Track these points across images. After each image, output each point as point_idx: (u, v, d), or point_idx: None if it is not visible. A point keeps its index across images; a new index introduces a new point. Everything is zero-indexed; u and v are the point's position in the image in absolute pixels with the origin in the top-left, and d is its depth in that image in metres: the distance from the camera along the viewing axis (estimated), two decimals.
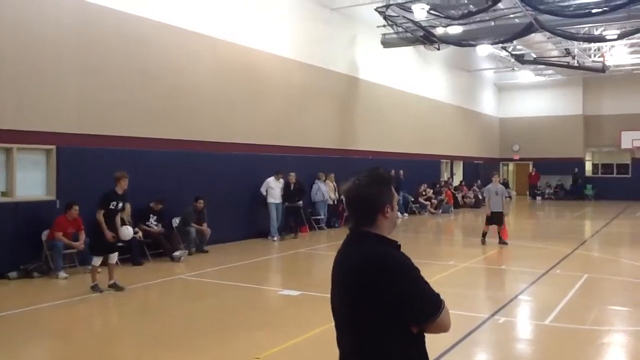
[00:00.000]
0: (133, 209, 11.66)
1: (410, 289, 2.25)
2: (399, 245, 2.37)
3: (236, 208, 15.09)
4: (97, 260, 9.09)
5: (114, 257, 9.13)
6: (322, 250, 13.69)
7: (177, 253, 12.06)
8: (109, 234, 8.85)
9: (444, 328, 2.29)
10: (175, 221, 13.03)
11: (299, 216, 16.72)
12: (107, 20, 11.78)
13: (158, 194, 12.48)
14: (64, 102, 10.99)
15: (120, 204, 9.16)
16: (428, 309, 2.26)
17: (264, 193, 15.60)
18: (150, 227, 12.31)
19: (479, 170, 30.15)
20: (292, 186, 16.12)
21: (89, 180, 11.15)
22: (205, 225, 13.35)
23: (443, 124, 27.14)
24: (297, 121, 17.38)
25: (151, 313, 8.13)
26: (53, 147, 10.91)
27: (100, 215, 8.91)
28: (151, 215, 12.46)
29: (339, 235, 15.82)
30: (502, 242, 14.42)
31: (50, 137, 10.81)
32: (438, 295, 2.29)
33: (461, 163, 29.97)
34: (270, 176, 15.60)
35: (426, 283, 2.28)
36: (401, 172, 21.27)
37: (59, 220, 10.49)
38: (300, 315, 7.92)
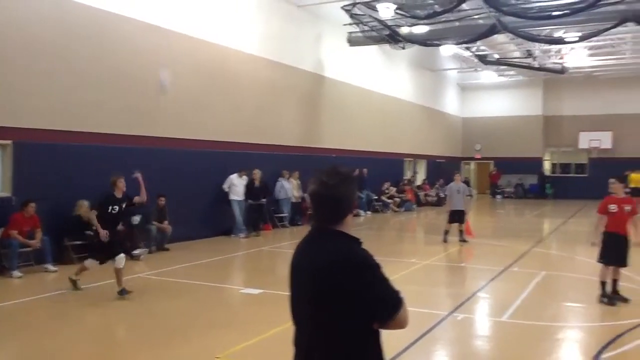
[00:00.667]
0: (92, 205, 11.43)
1: (375, 287, 2.28)
2: (361, 243, 2.39)
3: (199, 205, 14.95)
4: (89, 263, 8.78)
5: (120, 261, 8.55)
6: (285, 248, 13.65)
7: (137, 251, 11.88)
8: (102, 232, 8.42)
9: (402, 325, 2.33)
10: (136, 219, 12.82)
11: (262, 214, 16.66)
12: (71, 15, 11.51)
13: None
14: (21, 97, 10.68)
15: (122, 206, 8.71)
16: (391, 306, 2.29)
17: (227, 190, 15.52)
18: None
19: (442, 169, 30.52)
20: (255, 183, 16.05)
21: (48, 177, 10.89)
22: (166, 223, 13.18)
23: (407, 123, 27.38)
24: (262, 119, 17.30)
25: (109, 313, 7.99)
26: (9, 142, 10.61)
27: (93, 215, 8.61)
28: None
29: (302, 233, 15.69)
30: (462, 239, 14.65)
31: (7, 132, 10.50)
32: (398, 292, 2.31)
33: (424, 162, 30.30)
34: (234, 173, 15.52)
35: (388, 280, 2.32)
36: (365, 170, 21.39)
37: (15, 217, 10.22)
38: (261, 314, 7.89)
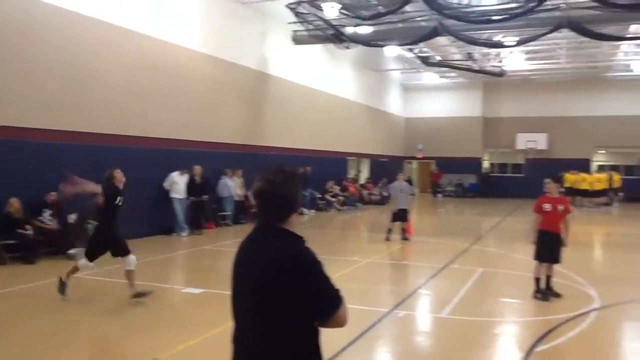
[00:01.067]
0: (25, 203, 10.99)
1: (318, 285, 2.30)
2: (305, 241, 2.40)
3: (140, 204, 14.56)
4: (83, 264, 8.23)
5: (130, 262, 8.12)
6: (228, 246, 13.49)
7: (73, 251, 11.47)
8: (90, 188, 7.98)
9: (342, 323, 2.35)
10: (72, 217, 12.38)
11: (203, 211, 16.44)
12: (8, 6, 11.01)
13: (55, 188, 11.81)
14: None
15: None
16: (332, 304, 2.31)
17: (168, 188, 15.23)
18: (43, 222, 11.65)
19: (385, 168, 30.93)
20: (196, 180, 15.83)
21: None
22: None
23: (351, 122, 27.59)
24: (205, 115, 17.05)
25: (44, 314, 7.68)
26: None
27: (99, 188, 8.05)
28: (45, 210, 11.78)
29: (245, 232, 15.59)
30: (404, 238, 14.87)
31: None
32: (339, 290, 2.34)
33: (368, 161, 30.62)
34: (174, 171, 15.25)
35: (329, 279, 2.34)
36: (308, 168, 21.42)
37: None
38: (203, 314, 7.77)
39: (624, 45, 24.82)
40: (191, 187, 15.69)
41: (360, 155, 29.28)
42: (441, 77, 33.27)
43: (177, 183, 15.28)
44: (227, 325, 6.25)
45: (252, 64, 19.48)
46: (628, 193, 29.30)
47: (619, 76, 30.69)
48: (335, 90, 25.81)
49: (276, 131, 20.83)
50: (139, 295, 8.04)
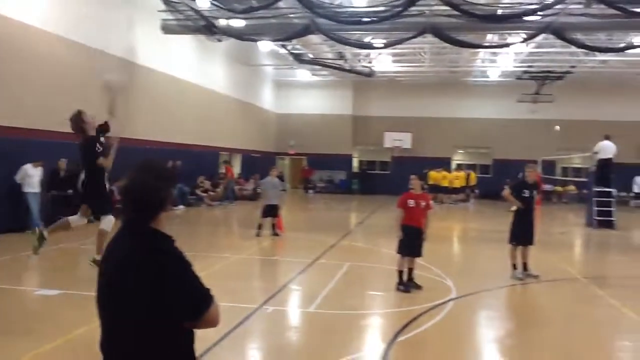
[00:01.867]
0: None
1: (185, 285, 2.24)
2: (174, 241, 2.33)
3: None
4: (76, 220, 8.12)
5: (108, 222, 7.97)
6: (89, 244, 12.74)
7: None
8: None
9: (213, 323, 2.33)
10: None
11: (69, 207, 15.36)
12: None
13: None
14: None
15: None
16: (201, 304, 2.27)
17: (20, 182, 14.06)
18: None
19: (257, 164, 30.88)
20: (61, 173, 14.80)
21: None
22: None
23: (223, 116, 27.19)
24: (66, 104, 15.89)
25: None
26: None
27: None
28: None
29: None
30: (275, 233, 14.91)
31: None
32: (209, 290, 2.30)
33: (240, 156, 30.38)
34: (27, 163, 14.10)
35: (198, 278, 2.29)
36: (178, 162, 20.79)
37: None
38: (59, 317, 7.23)
39: (481, 53, 26.72)
40: (54, 181, 14.65)
41: (232, 150, 28.96)
42: (313, 74, 33.80)
43: (31, 176, 14.14)
44: (86, 328, 5.83)
45: (118, 52, 18.51)
46: (483, 190, 31.62)
47: (476, 81, 33.03)
48: (207, 83, 25.29)
49: (145, 124, 19.96)
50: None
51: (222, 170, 27.12)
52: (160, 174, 2.38)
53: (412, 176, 9.45)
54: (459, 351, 6.66)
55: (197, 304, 2.27)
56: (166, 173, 2.42)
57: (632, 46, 20.73)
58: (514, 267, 10.39)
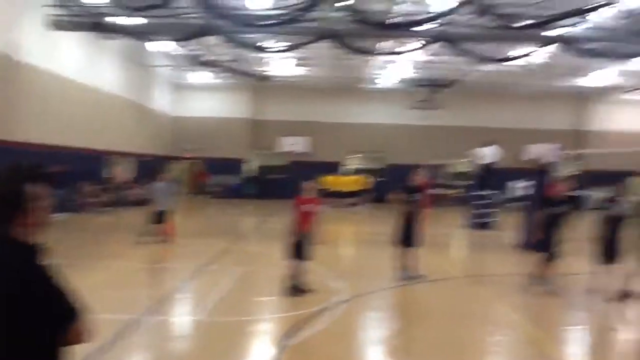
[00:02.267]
0: None
1: (42, 300, 2.11)
2: (41, 250, 2.18)
3: None
4: None
5: None
6: None
7: None
8: None
9: (79, 339, 2.20)
10: None
11: None
12: None
13: None
14: None
15: None
16: (64, 318, 2.15)
17: None
18: None
19: (150, 168, 29.87)
20: None
21: None
22: None
23: (114, 118, 26.07)
24: None
25: None
26: None
27: None
28: None
29: None
30: (164, 240, 14.47)
31: None
32: (74, 303, 2.17)
33: (133, 159, 29.29)
34: None
35: (63, 291, 2.16)
36: (63, 166, 19.68)
37: None
38: None
39: (373, 60, 27.49)
40: None
41: (124, 154, 27.84)
42: (211, 77, 33.22)
43: None
44: None
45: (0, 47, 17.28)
46: (376, 194, 32.50)
47: (371, 88, 33.95)
48: (97, 83, 24.13)
49: (29, 125, 18.71)
50: None
51: (112, 174, 26.00)
52: (19, 175, 2.22)
53: (306, 182, 9.54)
54: (348, 353, 6.78)
55: (63, 317, 2.15)
56: (28, 173, 2.25)
57: (514, 57, 22.16)
58: (402, 268, 10.75)
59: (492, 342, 7.54)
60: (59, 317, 2.16)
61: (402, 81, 31.24)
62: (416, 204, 10.73)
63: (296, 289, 9.13)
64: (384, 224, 13.04)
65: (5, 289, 2.08)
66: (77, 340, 2.21)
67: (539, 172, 16.46)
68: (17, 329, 2.09)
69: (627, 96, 32.29)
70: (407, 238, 10.68)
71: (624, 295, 9.28)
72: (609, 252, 9.48)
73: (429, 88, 31.82)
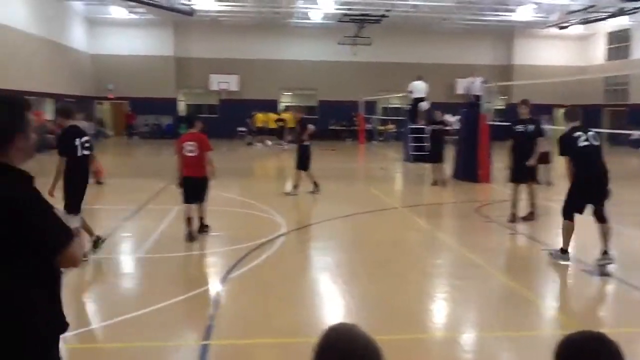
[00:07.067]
0: None
1: (37, 219, 2.17)
2: (32, 177, 2.27)
3: None
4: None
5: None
6: None
7: None
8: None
9: (74, 262, 2.30)
10: None
11: None
12: None
13: None
14: None
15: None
16: (58, 241, 2.21)
17: None
18: None
19: (73, 109, 28.45)
20: None
21: None
22: None
23: (25, 57, 24.34)
24: None
25: None
26: None
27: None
28: None
29: None
30: (97, 182, 13.96)
31: None
32: (69, 228, 2.27)
33: (52, 101, 27.76)
34: None
35: (55, 214, 2.25)
36: None
37: None
38: None
39: None
40: None
41: (41, 95, 26.30)
42: (130, 12, 31.47)
43: None
44: None
45: None
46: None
47: (299, 23, 33.24)
48: (4, 19, 22.40)
49: None
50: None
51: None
52: (19, 103, 2.29)
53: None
54: (284, 278, 6.84)
55: (57, 240, 2.20)
56: (12, 103, 2.29)
57: None
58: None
59: (430, 264, 7.81)
60: (57, 241, 2.20)
61: (331, 16, 30.75)
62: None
63: (190, 236, 8.38)
64: (315, 161, 13.13)
65: (9, 214, 2.10)
66: (73, 263, 2.30)
67: (469, 105, 16.88)
68: (18, 255, 2.14)
69: (550, 30, 33.24)
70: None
71: (530, 213, 10.01)
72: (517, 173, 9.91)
73: (358, 23, 31.52)
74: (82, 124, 14.05)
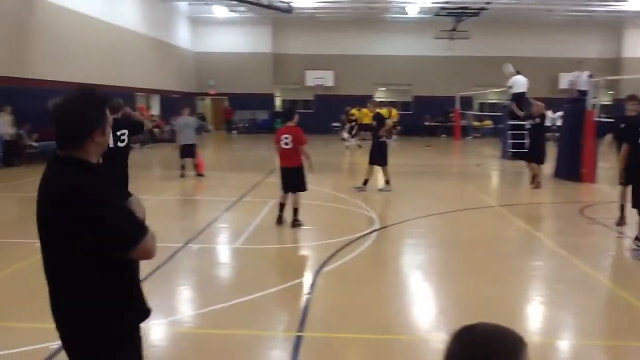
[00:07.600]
0: None
1: (111, 216, 2.17)
2: (102, 171, 2.30)
3: None
4: None
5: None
6: None
7: None
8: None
9: (148, 254, 2.28)
10: None
11: None
12: None
13: None
14: None
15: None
16: (132, 235, 2.21)
17: None
18: None
19: (177, 105, 29.83)
20: None
21: None
22: None
23: (136, 55, 25.84)
24: None
25: None
26: None
27: None
28: None
29: (16, 176, 14.10)
30: (198, 174, 14.61)
31: None
32: (142, 221, 2.27)
33: (158, 97, 29.26)
34: None
35: (128, 210, 2.26)
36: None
37: None
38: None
39: None
40: None
41: (148, 91, 27.80)
42: (230, 10, 32.55)
43: None
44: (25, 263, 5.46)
45: None
46: (404, 127, 32.16)
47: (395, 18, 32.96)
48: (118, 20, 23.87)
49: (49, 64, 18.67)
50: None
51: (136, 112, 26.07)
52: (88, 99, 2.27)
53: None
54: (386, 276, 6.83)
55: (129, 235, 2.20)
56: (95, 97, 2.29)
57: None
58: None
59: (529, 266, 7.51)
60: (129, 230, 2.22)
61: (428, 10, 30.20)
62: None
63: (280, 219, 8.96)
64: (411, 155, 12.95)
65: (84, 211, 2.12)
66: (147, 256, 2.29)
67: (574, 101, 16.05)
68: (85, 243, 2.15)
69: None
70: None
71: None
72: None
73: (456, 17, 30.76)
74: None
